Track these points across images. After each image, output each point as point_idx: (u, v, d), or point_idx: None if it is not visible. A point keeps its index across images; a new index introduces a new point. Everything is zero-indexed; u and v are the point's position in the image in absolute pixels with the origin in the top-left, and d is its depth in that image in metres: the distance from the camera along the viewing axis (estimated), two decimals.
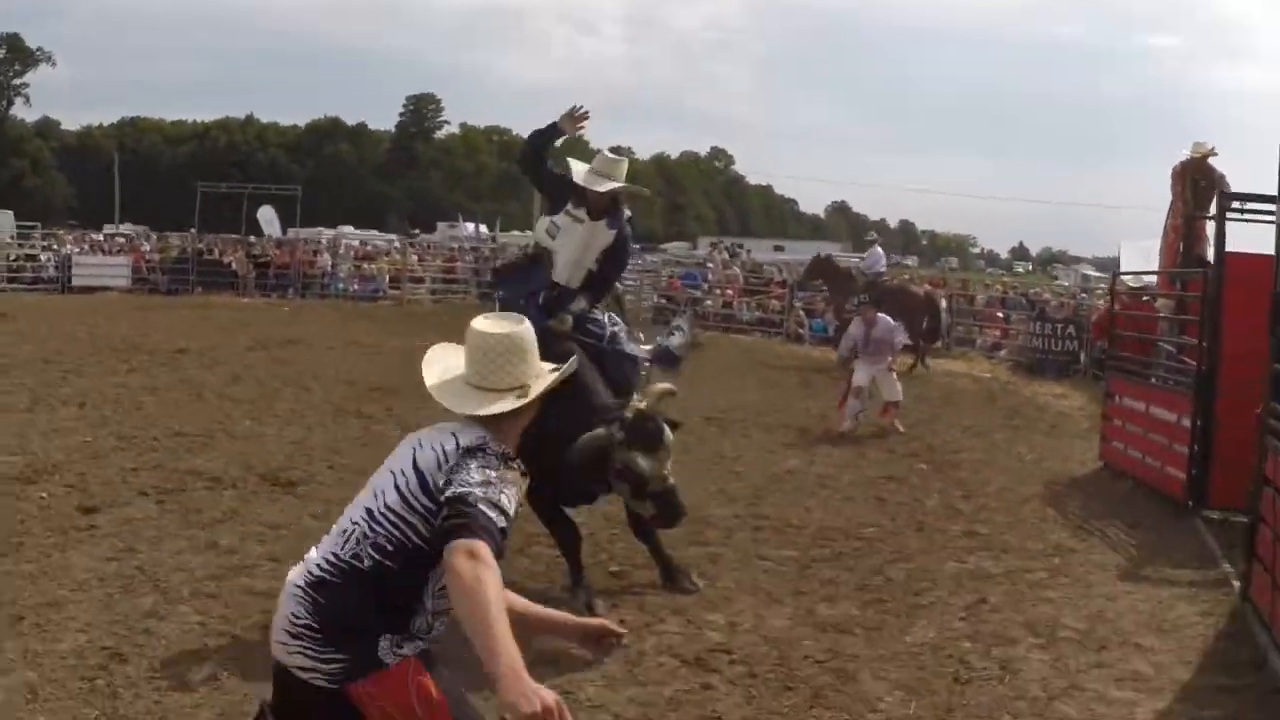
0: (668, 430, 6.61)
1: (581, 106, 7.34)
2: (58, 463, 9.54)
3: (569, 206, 7.22)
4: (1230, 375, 9.37)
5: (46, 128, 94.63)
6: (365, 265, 35.64)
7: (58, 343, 18.10)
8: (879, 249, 26.65)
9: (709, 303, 30.59)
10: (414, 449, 3.31)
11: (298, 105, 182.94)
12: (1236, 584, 7.43)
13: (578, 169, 7.28)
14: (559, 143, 7.48)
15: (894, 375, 14.19)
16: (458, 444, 3.26)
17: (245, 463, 10.04)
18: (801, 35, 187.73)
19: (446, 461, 3.21)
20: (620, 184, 7.27)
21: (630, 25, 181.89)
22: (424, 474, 3.21)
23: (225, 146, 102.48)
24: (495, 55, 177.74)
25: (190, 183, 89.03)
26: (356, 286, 33.53)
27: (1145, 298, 15.36)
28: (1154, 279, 14.59)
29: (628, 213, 7.56)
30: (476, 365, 3.45)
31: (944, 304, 25.06)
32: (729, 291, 31.60)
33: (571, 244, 7.24)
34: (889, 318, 14.37)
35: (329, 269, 34.26)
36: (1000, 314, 27.59)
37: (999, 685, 5.80)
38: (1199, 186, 12.86)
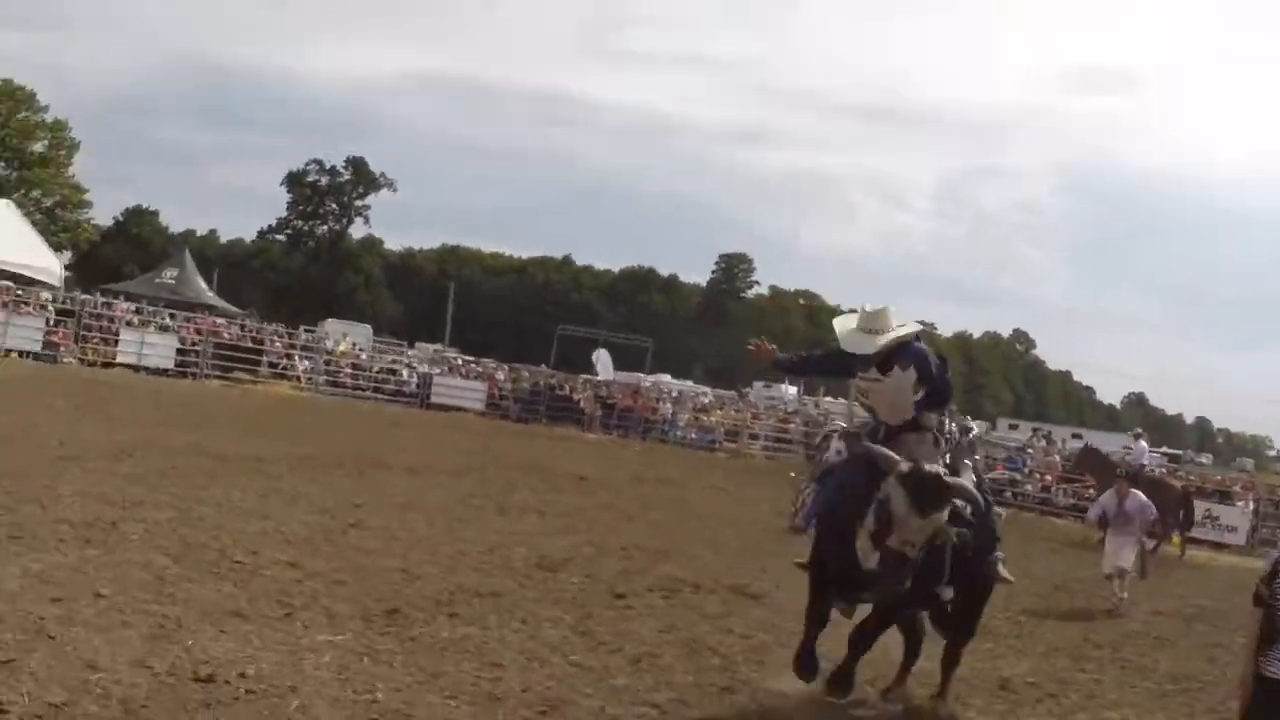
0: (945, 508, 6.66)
1: (760, 339, 8.06)
2: (568, 559, 12.06)
3: (859, 373, 7.38)
4: None
5: (371, 245, 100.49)
6: (703, 417, 38.34)
7: (479, 458, 21.02)
8: (1144, 443, 28.49)
9: (1028, 486, 31.80)
10: None
11: (611, 252, 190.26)
12: None
13: (844, 334, 7.46)
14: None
15: (1138, 549, 14.53)
16: None
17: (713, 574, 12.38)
18: (1112, 220, 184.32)
19: None
20: (889, 335, 7.28)
21: (939, 201, 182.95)
22: None
23: (542, 284, 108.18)
24: (803, 219, 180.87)
25: (507, 313, 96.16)
26: (694, 435, 36.22)
27: None
28: None
29: (924, 346, 7.54)
30: None
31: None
32: (1047, 477, 32.67)
33: (883, 402, 7.39)
34: (1142, 495, 14.96)
35: (669, 416, 37.11)
36: None
37: None
38: None
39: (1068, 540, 22.64)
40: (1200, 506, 26.62)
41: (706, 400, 43.55)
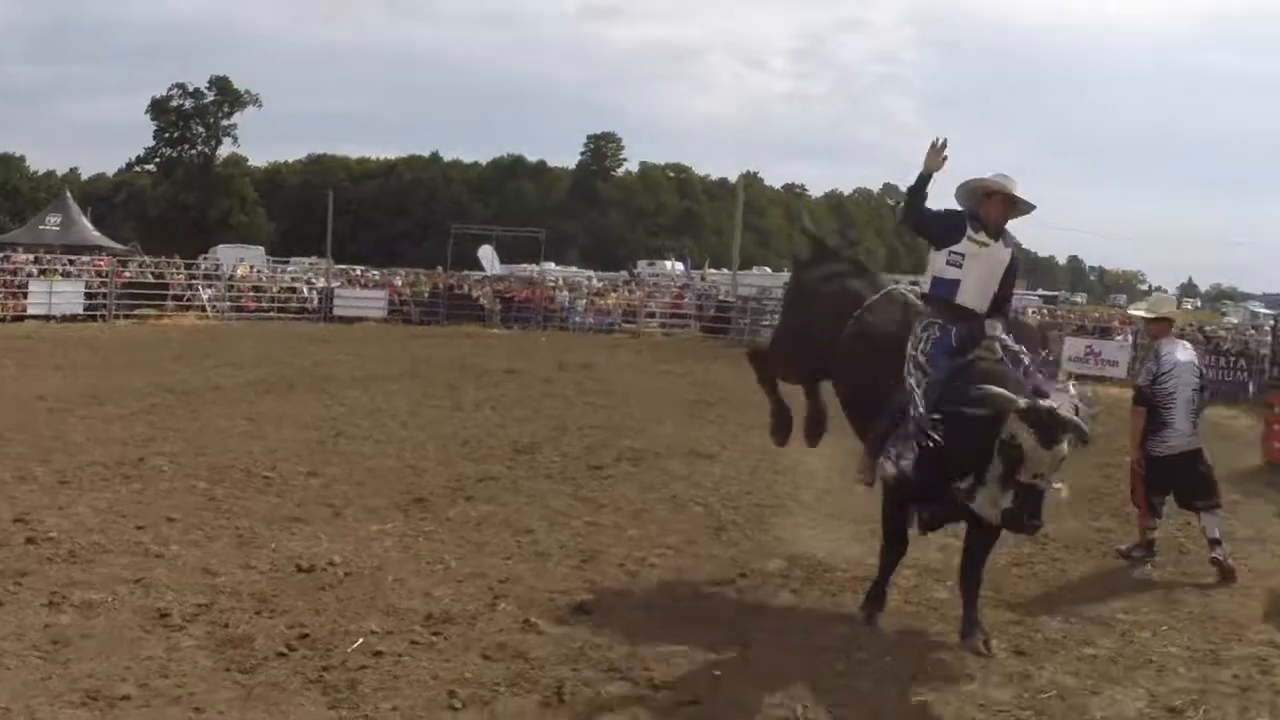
0: (1066, 439, 6.43)
1: (940, 139, 7.35)
2: (537, 442, 13.39)
3: (969, 234, 7.28)
4: None
5: (236, 164, 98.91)
6: (598, 300, 39.63)
7: (411, 364, 22.12)
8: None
9: None
10: None
11: (478, 144, 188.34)
12: None
13: (970, 185, 7.39)
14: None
15: None
16: None
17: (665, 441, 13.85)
18: (972, 67, 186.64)
19: None
20: (1019, 190, 7.38)
21: (798, 60, 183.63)
22: None
23: (410, 183, 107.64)
24: (665, 91, 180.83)
25: (379, 216, 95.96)
26: (592, 320, 37.49)
27: None
28: None
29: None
30: None
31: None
32: None
33: (979, 270, 7.30)
34: None
35: (567, 304, 38.32)
36: None
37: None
38: None
39: None
40: (1081, 343, 28.90)
41: (600, 285, 44.80)
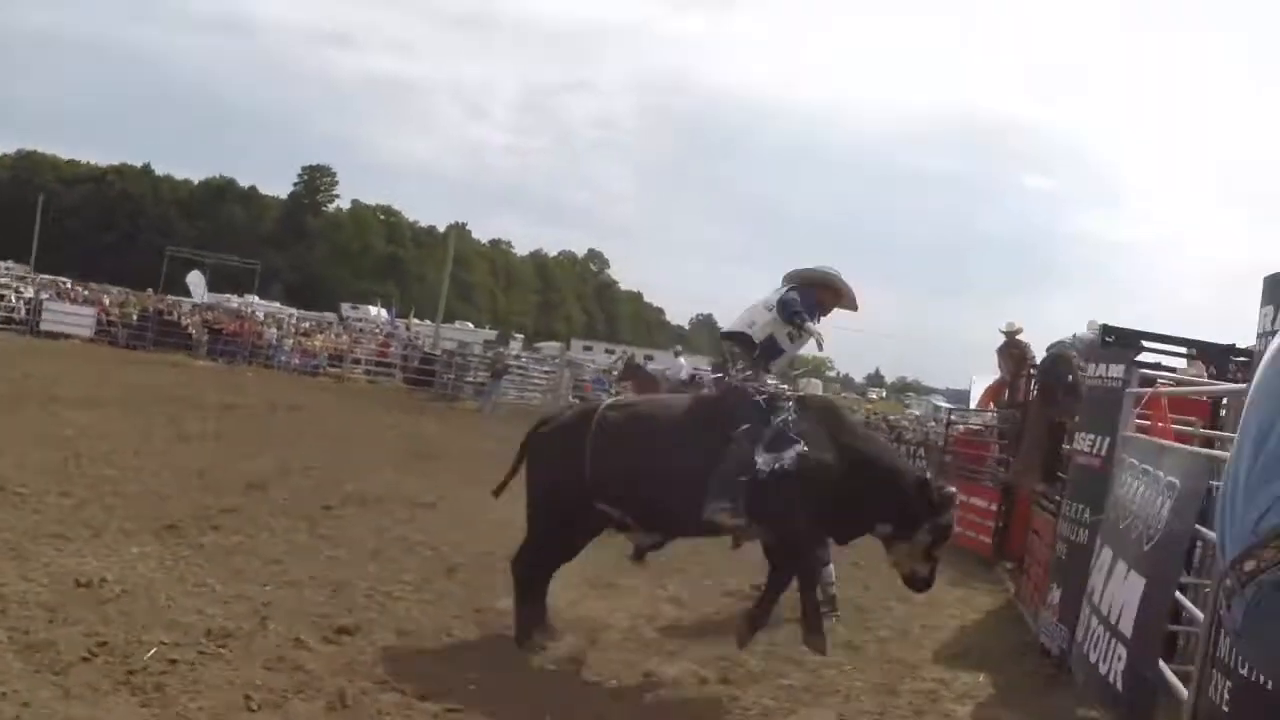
0: None
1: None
2: (267, 479, 14.09)
3: (811, 318, 8.26)
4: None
5: None
6: (305, 341, 39.89)
7: (128, 389, 22.23)
8: (682, 359, 33.04)
9: None
10: None
11: (193, 160, 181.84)
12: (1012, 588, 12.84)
13: (817, 278, 8.46)
14: None
15: None
16: None
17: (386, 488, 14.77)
18: (688, 142, 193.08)
19: None
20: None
21: (521, 113, 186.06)
22: None
23: (119, 195, 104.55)
24: (387, 129, 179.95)
25: (83, 226, 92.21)
26: (298, 360, 37.79)
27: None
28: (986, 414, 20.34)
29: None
30: None
31: None
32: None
33: (797, 350, 8.51)
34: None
35: (274, 341, 38.50)
36: None
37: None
38: (1013, 355, 18.01)
39: None
40: None
41: (308, 325, 45.05)
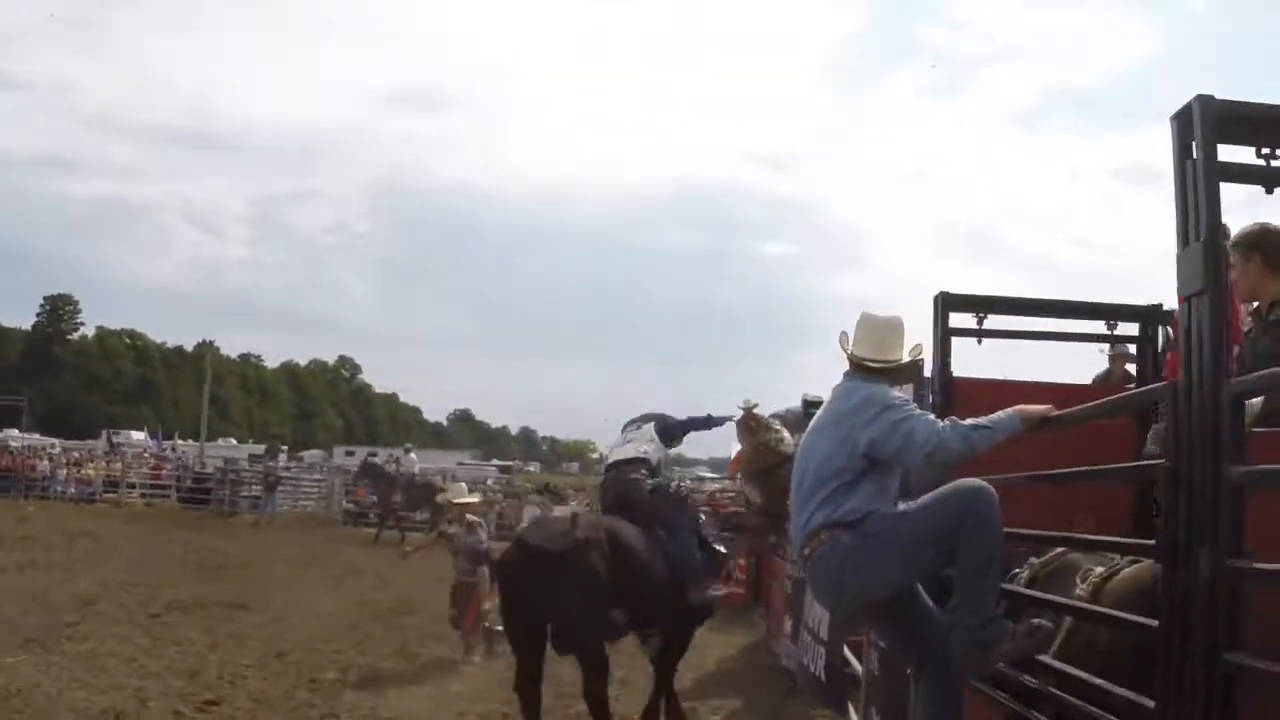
0: None
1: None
2: (95, 595, 15.55)
3: None
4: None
5: None
6: (80, 470, 40.19)
7: None
8: (413, 455, 35.29)
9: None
10: None
11: None
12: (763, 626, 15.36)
13: None
14: None
15: None
16: None
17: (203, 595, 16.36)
18: (422, 240, 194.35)
19: None
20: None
21: (253, 227, 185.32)
22: None
23: None
24: (122, 253, 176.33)
25: None
26: (74, 489, 38.18)
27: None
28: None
29: None
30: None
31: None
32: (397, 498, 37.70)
33: None
34: None
35: (49, 472, 38.80)
36: None
37: None
38: (750, 428, 20.67)
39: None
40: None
41: (78, 455, 45.16)
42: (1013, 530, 4.89)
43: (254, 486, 38.68)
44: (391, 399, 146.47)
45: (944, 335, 6.04)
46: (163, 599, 15.74)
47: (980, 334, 6.34)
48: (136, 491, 38.96)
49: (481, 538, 13.33)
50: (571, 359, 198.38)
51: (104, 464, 41.81)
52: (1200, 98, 3.56)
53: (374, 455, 38.85)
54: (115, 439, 59.99)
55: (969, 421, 4.89)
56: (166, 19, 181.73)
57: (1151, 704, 3.69)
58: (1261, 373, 3.86)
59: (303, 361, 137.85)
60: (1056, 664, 4.59)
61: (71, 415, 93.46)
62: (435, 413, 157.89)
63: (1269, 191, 3.62)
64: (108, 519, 30.44)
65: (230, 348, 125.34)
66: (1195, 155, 3.56)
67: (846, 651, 8.72)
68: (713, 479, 27.31)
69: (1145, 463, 5.09)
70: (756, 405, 20.50)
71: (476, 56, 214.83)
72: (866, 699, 8.00)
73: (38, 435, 62.07)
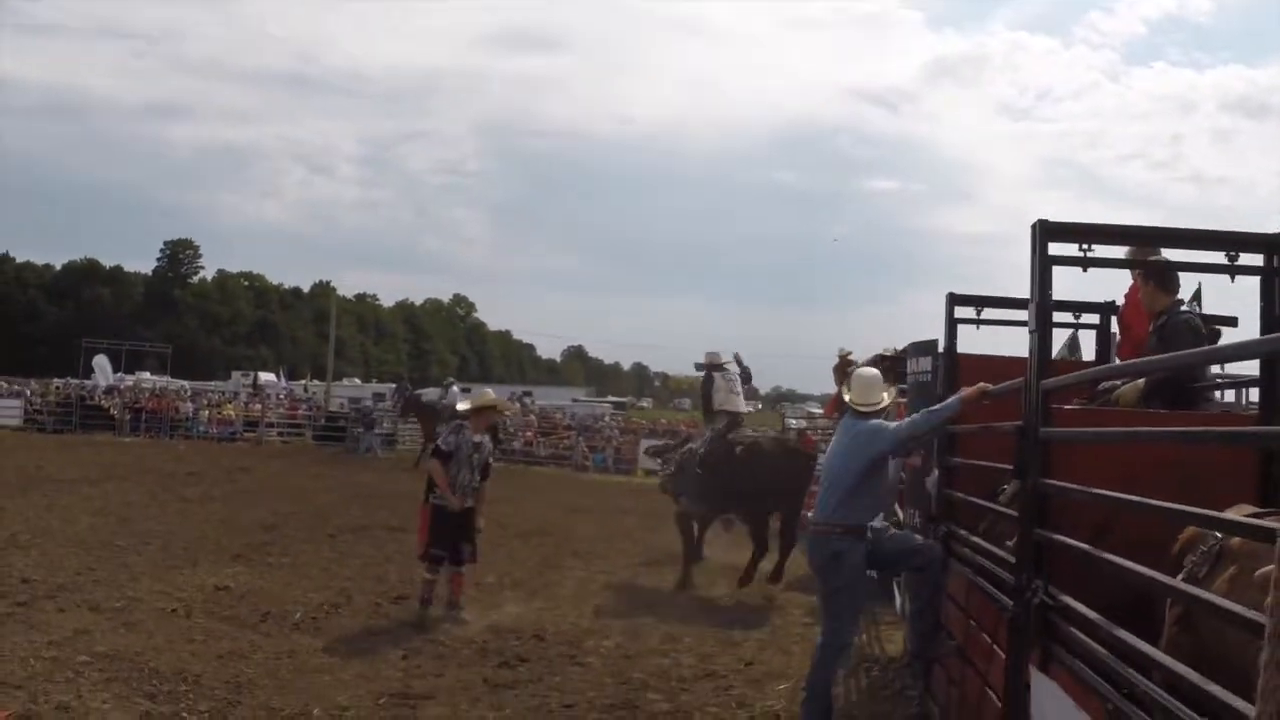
0: None
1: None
2: (275, 521, 18.11)
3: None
4: None
5: None
6: (219, 411, 43.20)
7: (104, 468, 25.73)
8: (456, 388, 36.11)
9: (515, 444, 38.81)
10: None
11: (52, 245, 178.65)
12: None
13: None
14: None
15: None
16: None
17: (362, 519, 18.93)
18: (530, 182, 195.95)
19: None
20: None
21: (365, 167, 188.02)
22: None
23: None
24: (238, 196, 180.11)
25: None
26: (215, 429, 41.10)
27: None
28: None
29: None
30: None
31: None
32: (528, 434, 40.43)
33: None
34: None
35: (191, 414, 41.85)
36: None
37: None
38: (846, 374, 22.50)
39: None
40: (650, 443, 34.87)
41: (218, 396, 48.19)
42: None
43: (387, 423, 40.56)
44: (505, 336, 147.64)
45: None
46: (333, 523, 18.32)
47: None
48: (275, 430, 41.69)
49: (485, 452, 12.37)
50: (684, 297, 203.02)
51: (243, 405, 44.75)
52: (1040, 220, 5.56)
53: (406, 387, 38.91)
54: (244, 380, 63.30)
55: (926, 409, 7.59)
56: None
57: None
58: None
59: (418, 300, 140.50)
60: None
61: (194, 357, 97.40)
62: (549, 350, 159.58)
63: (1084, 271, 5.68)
64: (254, 456, 33.08)
65: (345, 287, 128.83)
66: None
67: None
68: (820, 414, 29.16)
69: None
70: (851, 353, 22.90)
71: None
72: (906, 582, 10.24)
73: (167, 377, 65.54)
